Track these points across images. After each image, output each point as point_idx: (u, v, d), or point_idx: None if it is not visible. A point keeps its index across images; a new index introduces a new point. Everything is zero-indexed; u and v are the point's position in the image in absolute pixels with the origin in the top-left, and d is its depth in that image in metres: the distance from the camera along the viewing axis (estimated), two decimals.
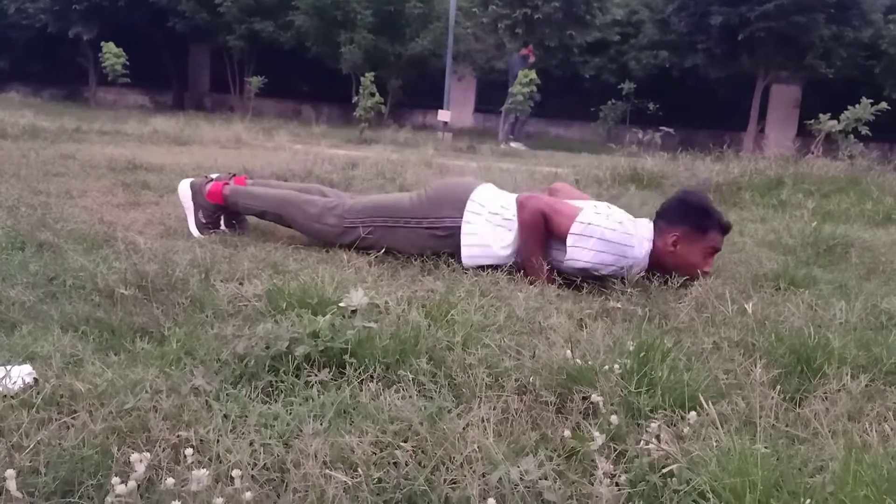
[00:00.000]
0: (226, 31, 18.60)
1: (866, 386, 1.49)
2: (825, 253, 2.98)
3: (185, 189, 2.83)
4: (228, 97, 19.98)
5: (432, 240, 2.53)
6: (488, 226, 2.47)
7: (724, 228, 2.49)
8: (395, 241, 2.56)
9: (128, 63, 13.81)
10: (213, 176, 2.90)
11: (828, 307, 2.05)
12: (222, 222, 2.85)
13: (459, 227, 2.49)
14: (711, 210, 2.50)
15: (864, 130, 6.99)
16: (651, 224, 2.49)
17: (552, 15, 16.06)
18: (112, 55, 13.70)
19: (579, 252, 2.33)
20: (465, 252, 2.48)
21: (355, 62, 16.77)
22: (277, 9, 18.20)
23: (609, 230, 2.33)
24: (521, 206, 2.43)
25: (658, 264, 2.43)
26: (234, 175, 2.94)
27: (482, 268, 2.41)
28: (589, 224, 2.33)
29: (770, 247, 3.18)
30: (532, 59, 13.48)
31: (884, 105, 7.02)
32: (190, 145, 7.27)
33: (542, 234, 2.39)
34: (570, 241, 2.33)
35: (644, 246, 2.41)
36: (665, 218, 2.48)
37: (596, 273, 2.36)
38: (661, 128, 7.55)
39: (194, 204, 2.80)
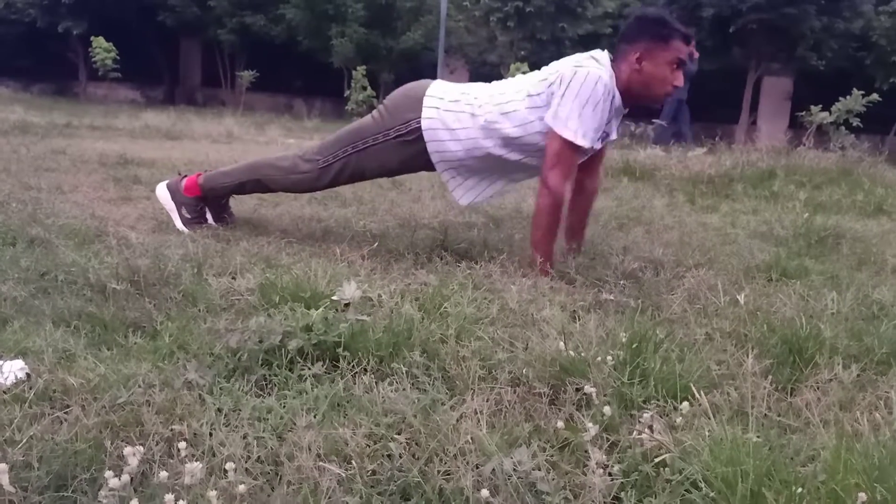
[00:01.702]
0: (216, 24, 18.51)
1: (858, 376, 1.50)
2: (817, 244, 2.99)
3: (162, 191, 2.83)
4: (220, 91, 19.90)
5: (404, 147, 2.52)
6: (452, 115, 2.46)
7: (686, 37, 2.43)
8: (371, 162, 2.57)
9: (118, 58, 13.72)
10: (184, 173, 2.89)
11: (819, 298, 2.06)
12: (209, 217, 2.84)
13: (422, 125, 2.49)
14: (669, 20, 2.45)
15: (856, 122, 7.01)
16: (604, 53, 2.45)
17: (544, 8, 16.06)
18: (102, 50, 13.60)
19: (588, 137, 2.32)
20: (430, 147, 2.48)
21: (347, 56, 16.72)
22: (268, 2, 18.12)
23: (581, 104, 2.30)
24: (545, 187, 2.36)
25: (629, 89, 2.42)
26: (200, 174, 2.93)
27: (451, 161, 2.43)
28: (556, 112, 2.32)
29: (762, 238, 3.19)
30: (696, 55, 12.60)
31: (875, 96, 7.04)
32: (181, 140, 7.24)
33: (556, 225, 2.38)
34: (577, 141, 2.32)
35: (602, 61, 2.38)
36: (625, 39, 2.45)
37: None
38: (652, 120, 7.56)
39: (175, 202, 2.79)
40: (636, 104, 2.52)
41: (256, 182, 2.75)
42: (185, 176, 2.84)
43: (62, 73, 20.16)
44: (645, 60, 2.40)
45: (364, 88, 12.03)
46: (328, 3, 17.08)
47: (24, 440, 1.08)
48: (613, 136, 2.57)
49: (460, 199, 2.62)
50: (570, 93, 2.31)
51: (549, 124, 2.33)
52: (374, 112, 2.63)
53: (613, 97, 2.39)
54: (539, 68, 2.58)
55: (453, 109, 2.47)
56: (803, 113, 7.09)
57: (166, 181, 2.87)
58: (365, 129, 2.58)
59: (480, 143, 2.45)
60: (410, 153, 2.53)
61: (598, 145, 2.48)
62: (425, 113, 2.48)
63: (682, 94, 10.97)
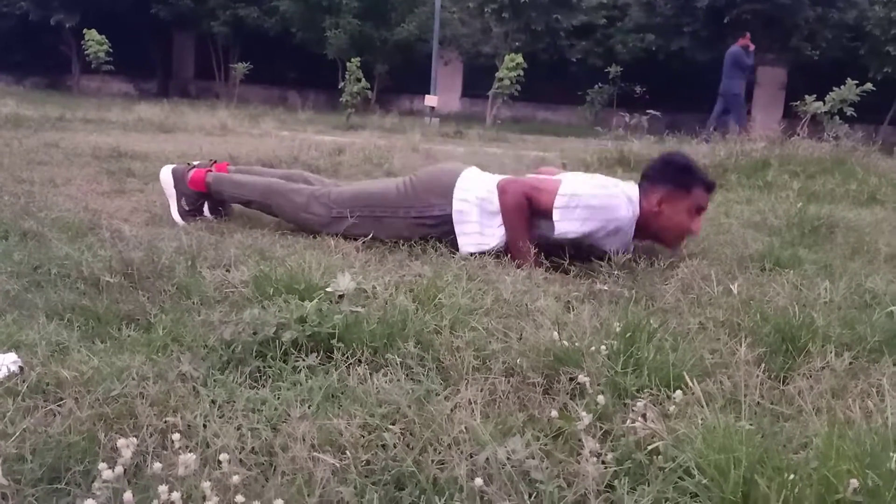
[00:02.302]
0: (210, 17, 18.45)
1: (850, 363, 1.50)
2: (810, 233, 3.00)
3: (167, 176, 2.80)
4: (213, 84, 19.84)
5: (422, 229, 2.51)
6: (476, 211, 2.46)
7: (709, 186, 2.47)
8: (384, 230, 2.53)
9: (111, 50, 13.68)
10: (195, 163, 2.87)
11: (812, 287, 2.07)
12: (206, 209, 2.83)
13: (449, 215, 2.47)
14: (694, 168, 2.49)
15: (850, 111, 7.02)
16: (636, 186, 2.49)
17: None
18: (95, 43, 13.56)
19: (567, 224, 2.33)
20: (461, 241, 2.46)
21: (341, 48, 16.68)
22: None
23: (591, 196, 2.33)
24: (502, 191, 2.41)
25: (645, 227, 2.44)
26: (215, 161, 2.91)
27: (479, 253, 2.40)
28: (572, 195, 2.33)
29: (756, 228, 3.19)
30: (752, 48, 11.62)
31: (869, 86, 7.06)
32: (175, 133, 7.22)
33: (526, 218, 2.38)
34: (556, 215, 2.33)
35: (632, 202, 2.40)
36: (649, 179, 2.48)
37: (590, 240, 2.37)
38: (647, 111, 7.55)
39: (176, 191, 2.78)
40: (648, 240, 2.52)
41: (265, 206, 2.73)
42: (194, 167, 2.82)
43: (55, 67, 20.08)
44: (665, 204, 2.42)
45: (358, 80, 12.00)
46: None
47: (18, 433, 1.08)
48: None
49: (463, 248, 2.52)
50: (590, 195, 2.33)
51: (558, 204, 2.34)
52: (401, 182, 2.59)
53: (623, 233, 2.41)
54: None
55: (480, 207, 2.46)
56: (797, 103, 7.10)
57: (172, 165, 2.85)
58: (387, 198, 2.55)
59: (497, 239, 2.45)
60: (426, 233, 2.51)
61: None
62: (455, 205, 2.47)
63: (736, 88, 10.74)
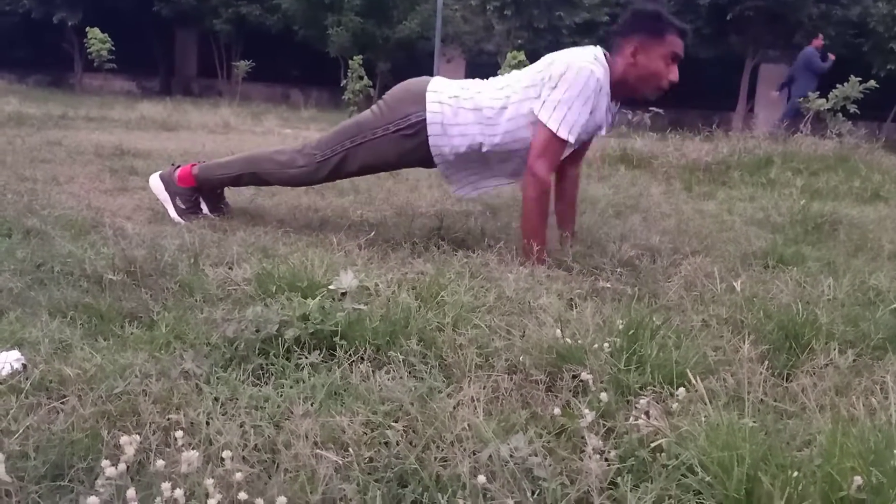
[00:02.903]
0: (212, 15, 18.43)
1: (854, 361, 1.50)
2: (813, 230, 2.99)
3: (156, 182, 2.82)
4: (216, 82, 19.83)
5: (403, 141, 2.52)
6: (451, 110, 2.47)
7: (682, 32, 2.43)
8: (369, 156, 2.56)
9: (113, 48, 13.66)
10: (178, 164, 2.88)
11: (816, 284, 2.07)
12: (204, 207, 2.83)
13: (424, 119, 2.48)
14: (665, 14, 2.46)
15: (853, 108, 7.01)
16: (599, 49, 2.45)
17: None
18: (97, 41, 13.53)
19: (573, 126, 2.33)
20: (432, 140, 2.48)
21: (343, 45, 16.65)
22: None
23: (567, 94, 2.31)
24: (533, 174, 2.35)
25: (623, 83, 2.43)
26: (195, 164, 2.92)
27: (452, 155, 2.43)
28: (546, 102, 2.32)
29: (759, 225, 3.19)
30: (831, 57, 11.23)
31: (872, 83, 7.04)
32: (178, 131, 7.22)
33: (546, 213, 2.38)
34: (563, 134, 2.33)
35: (598, 62, 2.37)
36: (620, 33, 2.46)
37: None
38: (650, 108, 7.53)
39: (169, 193, 2.78)
40: (629, 98, 2.52)
41: (253, 175, 2.74)
42: (179, 166, 2.83)
43: (57, 64, 20.08)
44: (640, 54, 2.40)
45: (361, 78, 11.97)
46: None
47: (21, 430, 1.08)
48: (604, 131, 2.57)
49: (455, 191, 2.64)
50: (562, 86, 2.31)
51: (538, 115, 2.33)
52: (374, 107, 2.62)
53: (606, 93, 2.40)
54: (536, 57, 2.58)
55: (453, 105, 2.48)
56: (801, 99, 7.07)
57: (159, 172, 2.86)
58: (364, 124, 2.58)
59: (478, 137, 2.46)
60: (409, 147, 2.53)
61: (585, 138, 2.48)
62: (428, 107, 2.48)
63: (804, 90, 10.48)
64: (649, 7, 2.49)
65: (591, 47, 2.46)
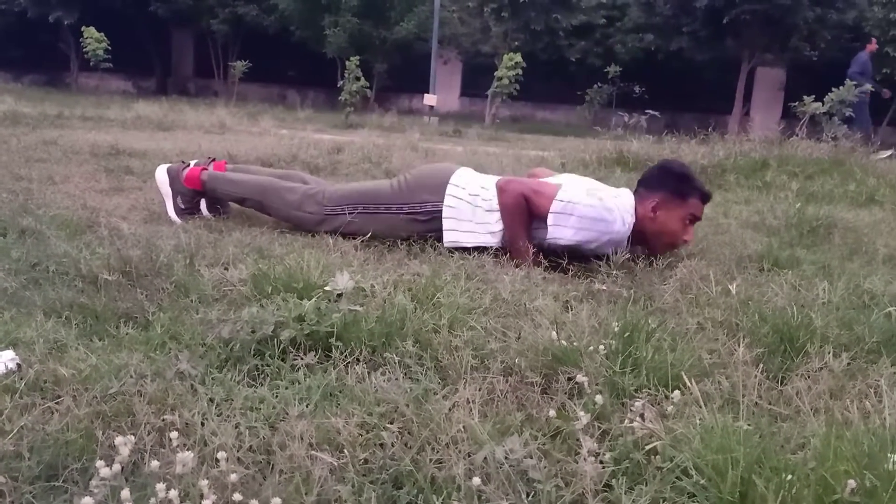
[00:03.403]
0: (209, 15, 18.43)
1: (848, 364, 1.50)
2: (809, 234, 3.00)
3: (162, 175, 2.80)
4: (212, 82, 19.83)
5: (414, 224, 2.52)
6: (469, 207, 2.47)
7: (705, 196, 2.49)
8: (377, 226, 2.54)
9: (110, 48, 13.65)
10: (192, 162, 2.87)
11: (811, 287, 2.07)
12: (203, 208, 2.82)
13: (441, 211, 2.48)
14: (692, 177, 2.51)
15: (848, 112, 7.03)
16: (631, 194, 2.49)
17: None
18: (93, 40, 13.52)
19: (561, 230, 2.33)
20: (446, 236, 2.48)
21: (340, 46, 16.67)
22: None
23: (588, 206, 2.33)
24: (501, 190, 2.42)
25: (639, 232, 2.44)
26: (213, 160, 2.91)
27: (466, 250, 2.41)
28: (568, 202, 2.33)
29: (754, 228, 3.20)
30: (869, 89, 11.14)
31: (868, 87, 7.06)
32: (173, 130, 7.21)
33: (525, 217, 2.38)
34: (550, 219, 2.34)
35: (626, 219, 2.40)
36: (646, 184, 2.50)
37: (581, 249, 2.37)
38: (646, 111, 7.56)
39: (172, 190, 2.77)
40: (639, 245, 2.51)
41: (259, 203, 2.72)
42: (188, 165, 2.82)
43: (53, 64, 20.06)
44: (660, 210, 2.43)
45: (357, 79, 11.98)
46: None
47: (15, 430, 1.08)
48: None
49: (447, 243, 2.55)
50: (587, 211, 2.33)
51: (554, 209, 2.34)
52: (395, 181, 2.61)
53: (615, 241, 2.39)
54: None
55: (472, 203, 2.47)
56: (796, 103, 7.10)
57: (167, 165, 2.85)
58: (380, 195, 2.57)
59: (491, 240, 2.46)
60: (418, 229, 2.53)
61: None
62: (447, 201, 2.48)
63: (863, 97, 10.35)
64: (677, 167, 2.55)
65: (627, 193, 2.49)
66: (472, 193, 2.48)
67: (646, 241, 2.47)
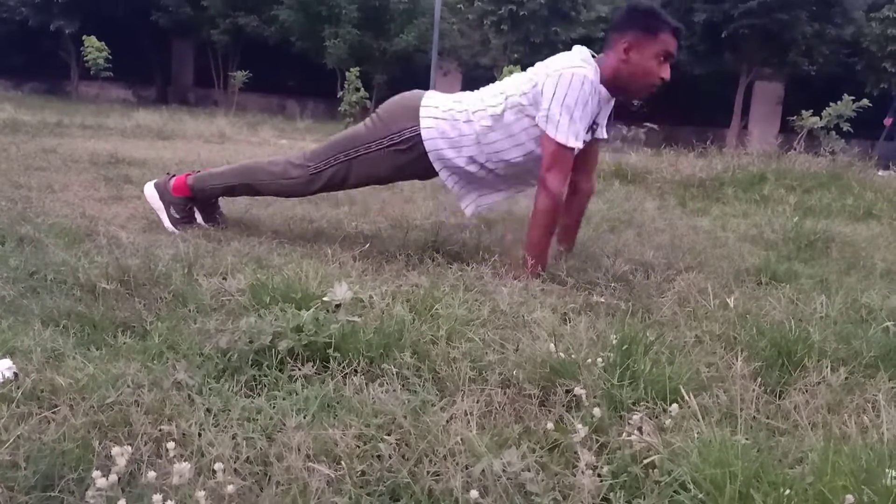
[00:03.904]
0: (209, 25, 18.48)
1: (846, 378, 1.50)
2: (806, 248, 3.00)
3: (150, 191, 2.81)
4: (212, 91, 19.86)
5: (397, 156, 2.53)
6: (446, 123, 2.48)
7: (675, 30, 2.44)
8: (362, 169, 2.57)
9: (110, 57, 13.68)
10: (172, 173, 2.88)
11: (809, 301, 2.07)
12: (198, 217, 2.83)
13: (419, 135, 2.49)
14: (660, 13, 2.46)
15: (846, 127, 7.06)
16: (585, 50, 2.47)
17: (537, 11, 16.11)
18: (94, 49, 13.55)
19: (575, 133, 2.34)
20: (431, 154, 2.49)
21: (340, 57, 16.73)
22: (261, 3, 18.11)
23: (562, 100, 2.31)
24: (544, 185, 2.35)
25: (614, 79, 2.43)
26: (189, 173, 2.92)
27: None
28: (548, 116, 2.33)
29: (752, 241, 3.20)
30: None
31: (865, 102, 7.09)
32: (173, 139, 7.22)
33: (552, 227, 2.39)
34: (564, 140, 2.33)
35: (588, 63, 2.39)
36: (615, 29, 2.47)
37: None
38: (644, 124, 7.58)
39: (163, 202, 2.78)
40: (620, 96, 2.53)
41: (246, 185, 2.74)
42: (174, 175, 2.83)
43: (54, 72, 20.09)
44: (633, 51, 2.41)
45: (357, 90, 12.01)
46: (322, 4, 17.09)
47: (11, 440, 1.07)
48: (603, 133, 2.59)
49: (466, 209, 2.64)
50: (559, 95, 2.32)
51: (542, 128, 2.34)
52: (367, 120, 2.63)
53: (599, 91, 2.41)
54: None
55: (448, 118, 2.49)
56: (794, 117, 7.13)
57: (154, 181, 2.86)
58: (358, 137, 2.59)
59: (476, 150, 2.48)
60: (403, 161, 2.54)
61: (588, 138, 2.48)
62: (423, 123, 2.49)
63: None
64: (644, 4, 2.50)
65: (577, 49, 2.48)
66: (445, 109, 2.50)
67: (624, 87, 2.46)
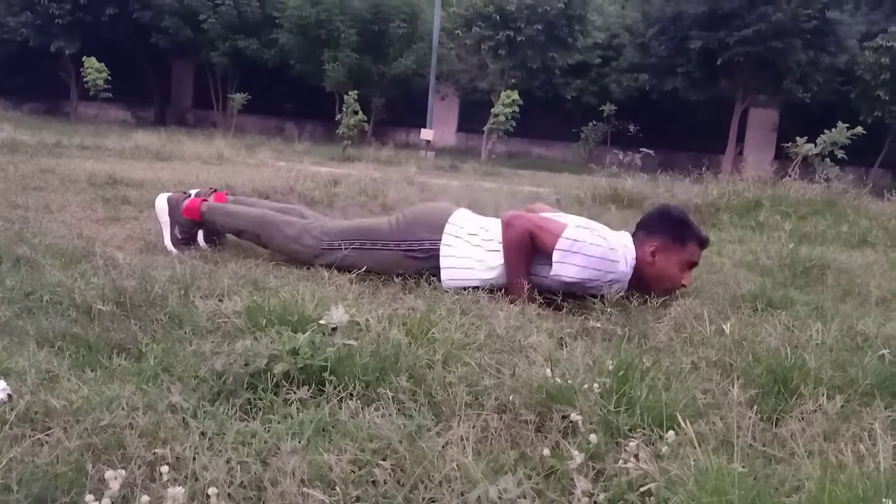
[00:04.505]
0: (209, 47, 18.61)
1: (842, 406, 1.50)
2: (802, 274, 3.01)
3: (162, 203, 2.81)
4: (211, 113, 19.96)
5: (411, 261, 2.52)
6: (467, 246, 2.48)
7: (703, 242, 2.52)
8: (373, 262, 2.55)
9: (110, 78, 13.77)
10: (192, 192, 2.87)
11: (804, 328, 2.08)
12: (200, 239, 2.83)
13: (438, 249, 2.49)
14: (690, 223, 2.53)
15: (840, 154, 7.11)
16: (630, 237, 2.52)
17: (534, 37, 16.26)
18: (94, 70, 13.64)
19: (565, 268, 2.34)
20: (444, 274, 2.48)
21: (339, 80, 16.85)
22: (261, 26, 18.27)
23: (594, 245, 2.34)
24: (507, 225, 2.42)
25: (637, 276, 2.45)
26: (215, 190, 2.92)
27: (462, 288, 2.41)
28: (575, 240, 2.34)
29: (748, 268, 3.21)
30: None
31: (859, 129, 7.15)
32: (171, 161, 7.24)
33: (528, 254, 2.39)
34: (556, 256, 2.34)
35: (629, 259, 2.42)
36: (645, 228, 2.52)
37: (580, 289, 2.37)
38: (641, 149, 7.63)
39: (170, 219, 2.78)
40: (638, 289, 2.49)
41: (256, 236, 2.73)
42: (189, 196, 2.83)
43: (53, 93, 20.18)
44: (659, 255, 2.46)
45: (355, 112, 12.10)
46: (321, 28, 17.23)
47: (4, 462, 1.07)
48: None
49: (444, 281, 2.55)
50: (592, 251, 2.33)
51: (560, 246, 2.34)
52: (392, 218, 2.63)
53: (615, 282, 2.41)
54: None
55: (470, 242, 2.49)
56: (789, 144, 7.18)
57: (168, 194, 2.85)
58: (377, 231, 2.58)
59: (488, 275, 2.46)
60: (413, 266, 2.53)
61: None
62: (445, 240, 2.49)
63: None
64: (676, 212, 2.58)
65: (626, 236, 2.52)
66: (470, 233, 2.50)
67: (644, 285, 2.47)
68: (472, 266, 2.46)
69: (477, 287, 2.43)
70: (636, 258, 2.45)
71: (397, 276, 2.47)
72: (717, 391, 1.56)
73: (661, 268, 2.45)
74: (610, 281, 2.36)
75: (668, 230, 2.47)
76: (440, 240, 2.49)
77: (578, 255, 2.32)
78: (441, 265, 2.48)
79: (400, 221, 2.58)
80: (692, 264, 2.51)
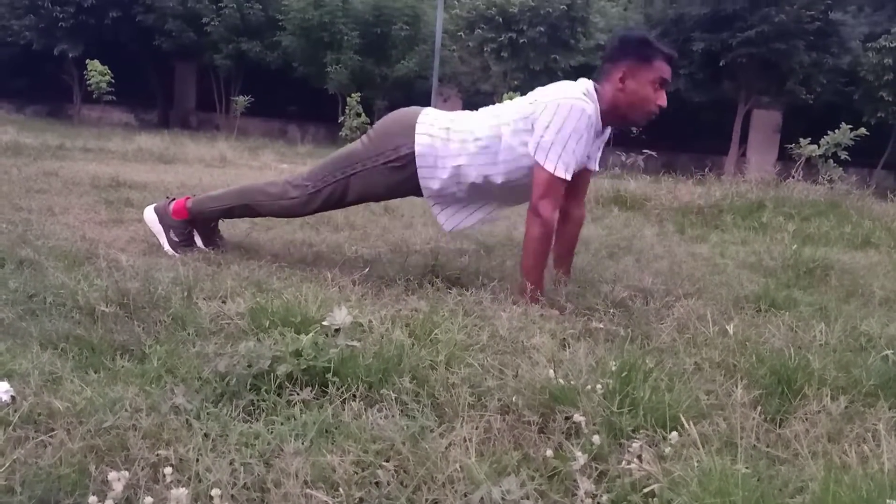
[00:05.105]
0: (212, 50, 18.62)
1: (846, 407, 1.50)
2: (805, 275, 3.01)
3: (150, 215, 2.83)
4: (214, 116, 19.96)
5: (392, 172, 2.54)
6: (438, 141, 2.49)
7: (668, 56, 2.46)
8: (359, 187, 2.58)
9: (113, 80, 13.77)
10: (172, 197, 2.90)
11: (808, 329, 2.07)
12: (198, 240, 2.83)
13: (413, 151, 2.51)
14: (652, 41, 2.48)
15: (844, 155, 7.09)
16: (590, 82, 2.48)
17: (537, 39, 16.26)
18: (97, 72, 13.64)
19: (566, 161, 2.35)
20: (419, 162, 2.50)
21: (341, 83, 16.84)
22: (264, 29, 18.27)
23: (563, 130, 2.32)
24: (536, 213, 2.36)
25: (612, 110, 2.45)
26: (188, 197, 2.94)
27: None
28: (540, 144, 2.34)
29: (751, 269, 3.20)
30: None
31: (862, 130, 7.13)
32: (174, 163, 7.25)
33: (546, 253, 2.40)
34: (558, 171, 2.34)
35: (588, 96, 2.40)
36: (609, 60, 2.49)
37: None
38: (643, 151, 7.62)
39: (163, 226, 2.79)
40: (619, 125, 2.55)
41: (245, 207, 2.75)
42: (173, 199, 2.84)
43: (56, 95, 20.19)
44: (628, 80, 2.43)
45: (358, 115, 12.11)
46: (324, 30, 17.24)
47: (8, 464, 1.07)
48: (594, 165, 2.61)
49: (444, 225, 2.64)
50: (555, 125, 2.34)
51: (534, 157, 2.36)
52: (363, 138, 2.65)
53: (595, 127, 2.44)
54: None
55: (442, 136, 2.50)
56: (792, 145, 7.17)
57: (154, 204, 2.87)
58: (354, 155, 2.60)
59: (467, 170, 2.48)
60: (398, 179, 2.55)
61: (576, 170, 2.50)
62: (417, 139, 2.51)
63: None
64: (636, 33, 2.54)
65: (582, 81, 2.50)
66: (442, 127, 2.51)
67: (622, 117, 2.47)
68: (445, 155, 2.49)
69: (447, 186, 2.51)
70: (607, 94, 2.44)
71: (400, 277, 2.46)
72: (721, 392, 1.56)
73: (633, 91, 2.42)
74: (589, 123, 2.36)
75: (631, 52, 2.43)
76: (414, 141, 2.51)
77: (558, 146, 2.33)
78: (417, 164, 2.50)
79: (372, 137, 2.61)
80: (664, 81, 2.45)
